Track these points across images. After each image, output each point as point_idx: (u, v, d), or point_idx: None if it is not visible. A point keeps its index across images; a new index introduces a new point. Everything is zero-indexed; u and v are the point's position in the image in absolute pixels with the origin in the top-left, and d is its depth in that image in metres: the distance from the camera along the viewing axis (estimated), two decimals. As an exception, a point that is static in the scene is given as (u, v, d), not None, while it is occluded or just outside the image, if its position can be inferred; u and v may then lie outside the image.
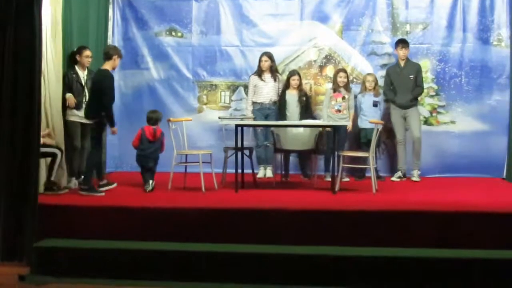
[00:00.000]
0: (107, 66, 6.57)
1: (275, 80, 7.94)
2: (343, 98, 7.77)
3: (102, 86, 6.44)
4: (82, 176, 6.69)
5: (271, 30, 8.59)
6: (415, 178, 7.66)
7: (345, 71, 7.90)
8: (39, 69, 5.43)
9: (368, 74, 8.00)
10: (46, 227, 5.38)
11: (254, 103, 8.01)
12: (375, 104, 7.79)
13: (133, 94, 8.65)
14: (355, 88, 8.13)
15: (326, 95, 7.97)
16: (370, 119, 7.50)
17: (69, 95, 6.86)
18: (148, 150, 6.92)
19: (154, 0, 8.69)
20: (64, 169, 6.76)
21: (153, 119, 7.03)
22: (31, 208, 5.26)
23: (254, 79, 8.00)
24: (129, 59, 8.69)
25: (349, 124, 7.71)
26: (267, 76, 7.93)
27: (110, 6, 8.62)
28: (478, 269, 4.87)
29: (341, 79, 7.76)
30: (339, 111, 7.78)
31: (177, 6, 8.68)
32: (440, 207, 5.59)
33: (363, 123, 7.78)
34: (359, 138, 7.92)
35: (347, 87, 7.82)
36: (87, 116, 6.70)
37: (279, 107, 7.94)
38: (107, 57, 6.57)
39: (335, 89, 7.82)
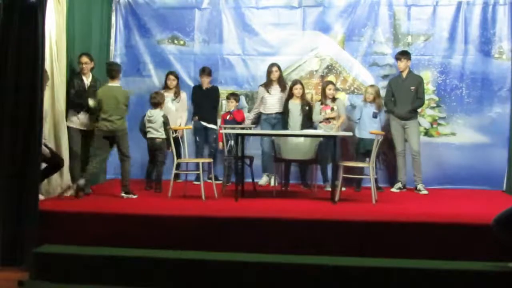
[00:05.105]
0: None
1: (282, 90, 7.95)
2: (332, 109, 7.77)
3: (218, 98, 8.36)
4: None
5: (273, 39, 8.63)
6: (423, 192, 7.57)
7: (333, 83, 7.94)
8: (41, 76, 5.43)
9: (370, 85, 7.93)
10: (45, 233, 5.37)
11: (261, 113, 8.07)
12: (374, 116, 7.70)
13: (135, 101, 8.60)
14: (356, 98, 8.17)
15: (316, 106, 7.91)
16: (369, 129, 7.49)
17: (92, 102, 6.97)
18: None
19: (156, 8, 8.73)
20: (62, 176, 6.77)
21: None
22: (31, 214, 5.27)
23: (262, 91, 8.04)
24: (131, 67, 8.74)
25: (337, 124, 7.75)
26: (274, 87, 7.95)
27: (113, 14, 8.68)
28: (477, 281, 4.86)
29: (331, 91, 7.77)
30: (328, 120, 7.77)
31: (179, 14, 8.73)
32: (439, 219, 5.59)
33: (362, 134, 7.72)
34: (357, 149, 7.89)
35: (334, 97, 7.84)
36: (208, 121, 8.13)
37: (283, 116, 7.94)
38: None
39: (323, 102, 7.80)
